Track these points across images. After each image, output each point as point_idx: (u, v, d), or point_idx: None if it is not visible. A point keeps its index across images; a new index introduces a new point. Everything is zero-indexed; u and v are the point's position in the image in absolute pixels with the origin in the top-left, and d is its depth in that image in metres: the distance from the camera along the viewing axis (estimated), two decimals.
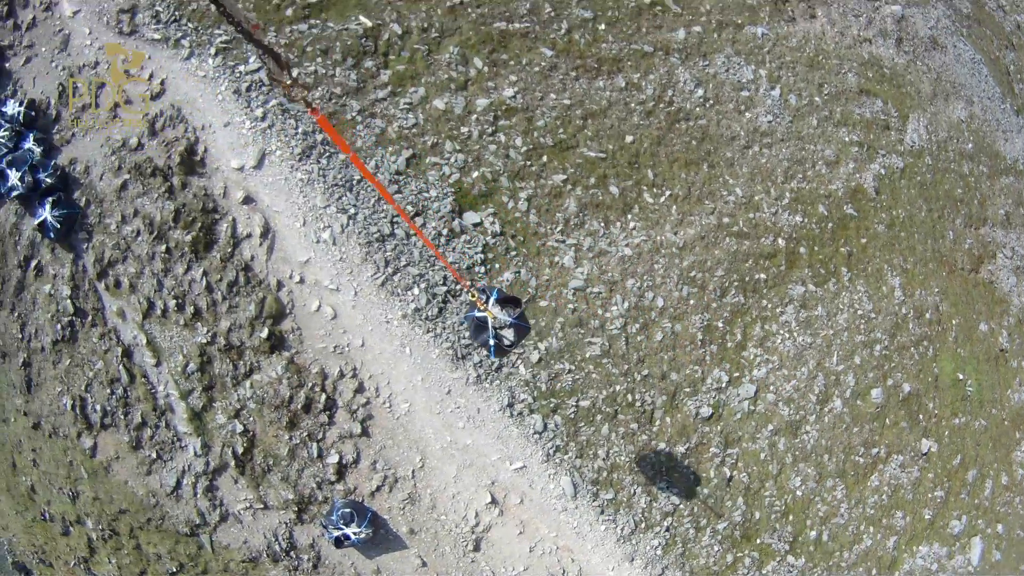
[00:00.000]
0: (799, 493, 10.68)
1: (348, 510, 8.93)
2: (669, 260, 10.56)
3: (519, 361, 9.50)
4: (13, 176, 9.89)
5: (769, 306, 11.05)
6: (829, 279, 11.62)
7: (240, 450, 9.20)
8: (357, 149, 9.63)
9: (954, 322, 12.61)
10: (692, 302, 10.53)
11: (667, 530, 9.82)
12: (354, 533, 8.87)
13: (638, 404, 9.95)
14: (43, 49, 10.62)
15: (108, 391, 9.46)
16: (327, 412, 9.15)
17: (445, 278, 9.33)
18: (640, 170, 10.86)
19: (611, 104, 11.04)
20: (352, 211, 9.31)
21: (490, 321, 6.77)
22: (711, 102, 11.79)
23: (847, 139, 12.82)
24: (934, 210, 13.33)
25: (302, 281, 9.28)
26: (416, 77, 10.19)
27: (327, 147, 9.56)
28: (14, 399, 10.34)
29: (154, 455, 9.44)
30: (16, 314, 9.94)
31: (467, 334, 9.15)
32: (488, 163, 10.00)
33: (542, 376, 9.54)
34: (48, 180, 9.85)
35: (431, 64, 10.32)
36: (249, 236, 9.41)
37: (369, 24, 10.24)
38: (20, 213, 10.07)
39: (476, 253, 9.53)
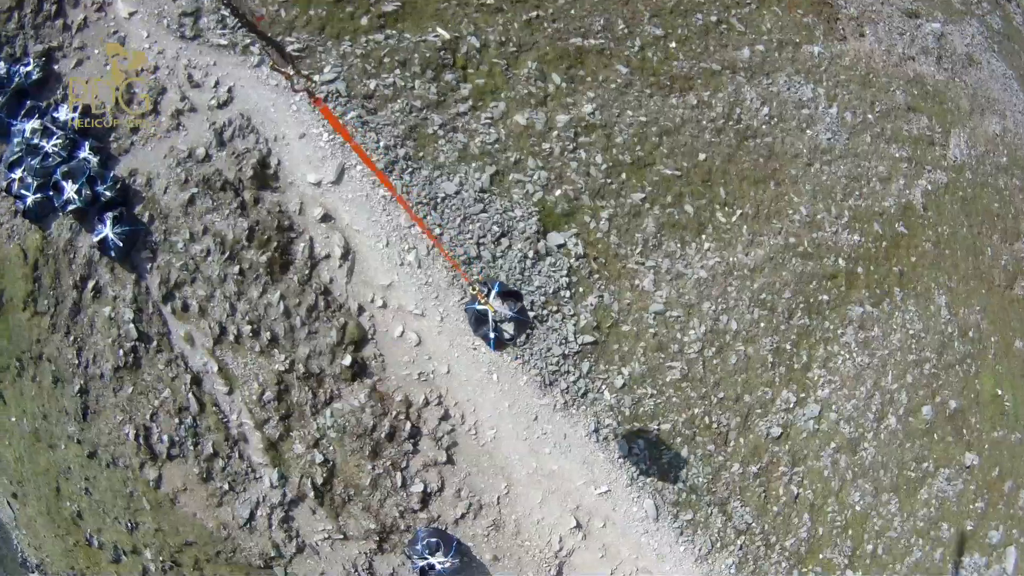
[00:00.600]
0: (858, 508, 11.19)
1: (434, 539, 8.91)
2: (741, 282, 10.78)
3: (604, 386, 9.60)
4: (69, 189, 9.32)
5: (831, 327, 11.44)
6: (884, 299, 12.08)
7: (320, 480, 9.04)
8: (440, 164, 9.45)
9: (993, 339, 13.30)
10: (763, 325, 10.81)
11: (740, 548, 10.16)
12: (440, 563, 8.87)
13: (715, 426, 10.21)
14: (96, 52, 10.03)
15: (176, 420, 9.11)
16: (411, 440, 9.07)
17: (533, 303, 9.31)
18: (713, 188, 11.01)
19: (684, 122, 11.11)
20: (437, 231, 9.16)
21: (490, 314, 6.93)
22: (775, 120, 12.00)
23: (897, 155, 13.26)
24: (974, 225, 13.96)
25: (385, 306, 9.10)
26: (496, 91, 10.02)
27: (409, 162, 9.35)
28: (66, 426, 9.86)
29: (226, 487, 9.18)
30: (72, 338, 9.44)
31: (466, 325, 9.13)
32: (570, 180, 9.97)
33: (626, 401, 9.67)
34: (107, 193, 9.31)
35: (510, 79, 10.16)
36: (328, 257, 9.15)
37: (447, 36, 9.99)
38: (75, 228, 9.53)
39: (561, 277, 9.53)
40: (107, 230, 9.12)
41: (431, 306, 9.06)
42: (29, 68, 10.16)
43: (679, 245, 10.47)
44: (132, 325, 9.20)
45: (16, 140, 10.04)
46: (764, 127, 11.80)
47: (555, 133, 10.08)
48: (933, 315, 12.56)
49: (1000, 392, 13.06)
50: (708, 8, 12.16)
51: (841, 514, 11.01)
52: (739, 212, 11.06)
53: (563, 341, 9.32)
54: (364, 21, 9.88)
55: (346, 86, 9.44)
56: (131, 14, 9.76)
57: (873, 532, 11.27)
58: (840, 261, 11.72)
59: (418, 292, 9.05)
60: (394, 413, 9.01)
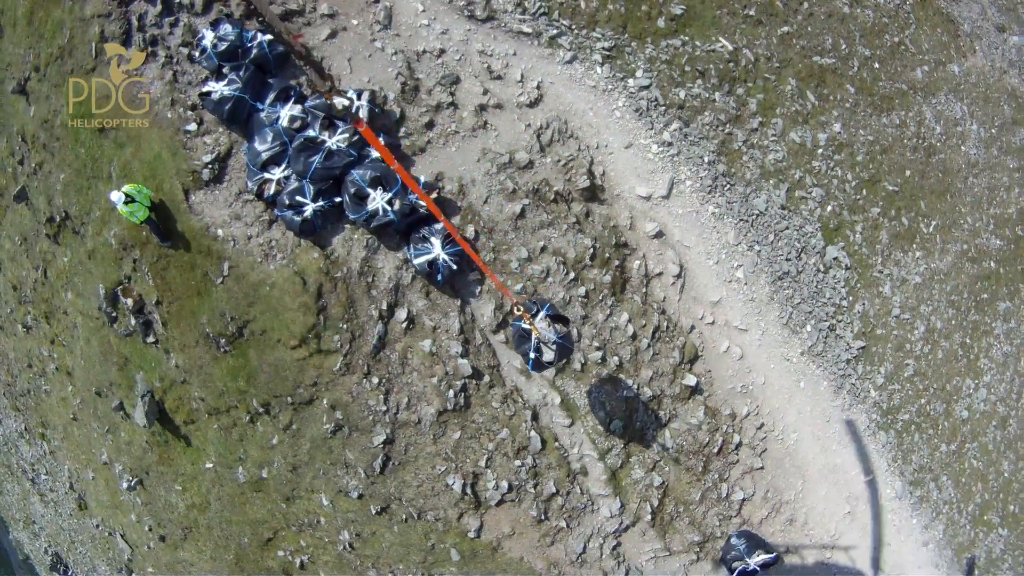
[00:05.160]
0: (1007, 475, 15.88)
1: (747, 542, 11.44)
2: (940, 286, 14.57)
3: (870, 385, 12.75)
4: (379, 198, 9.69)
5: (989, 321, 15.83)
6: (1016, 295, 16.81)
7: (656, 503, 11.03)
8: (749, 181, 11.65)
9: None
10: (953, 322, 14.77)
11: (946, 516, 14.16)
12: (758, 562, 11.45)
13: (931, 413, 13.96)
14: (355, 22, 10.38)
15: (517, 462, 10.34)
16: (736, 451, 11.42)
17: (826, 314, 12.05)
18: (916, 202, 14.55)
19: (893, 141, 14.44)
20: (757, 248, 11.43)
21: (533, 335, 8.05)
22: (944, 137, 15.87)
23: (1011, 166, 18.07)
24: None
25: (713, 322, 11.25)
26: (773, 107, 12.38)
27: (727, 179, 11.43)
28: (341, 479, 10.41)
29: (563, 524, 10.72)
30: (375, 380, 10.05)
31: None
32: (834, 197, 12.78)
33: (884, 396, 12.93)
34: (423, 203, 9.95)
35: (780, 95, 12.55)
36: (660, 274, 11.02)
37: (731, 47, 12.05)
38: (372, 245, 10.11)
39: (841, 287, 12.38)
40: (437, 250, 9.84)
41: (753, 321, 11.42)
42: (270, 36, 10.07)
43: (903, 254, 13.88)
44: (464, 360, 10.13)
45: (267, 131, 9.91)
46: (939, 144, 15.62)
47: (819, 151, 12.77)
48: None
49: None
50: (891, 28, 15.52)
51: (997, 480, 15.59)
52: (933, 223, 14.77)
53: (847, 347, 12.24)
54: (661, 23, 11.55)
55: (661, 94, 11.14)
56: None
57: (1013, 494, 16.07)
58: (992, 263, 16.13)
59: (744, 307, 11.34)
60: (724, 427, 11.27)
